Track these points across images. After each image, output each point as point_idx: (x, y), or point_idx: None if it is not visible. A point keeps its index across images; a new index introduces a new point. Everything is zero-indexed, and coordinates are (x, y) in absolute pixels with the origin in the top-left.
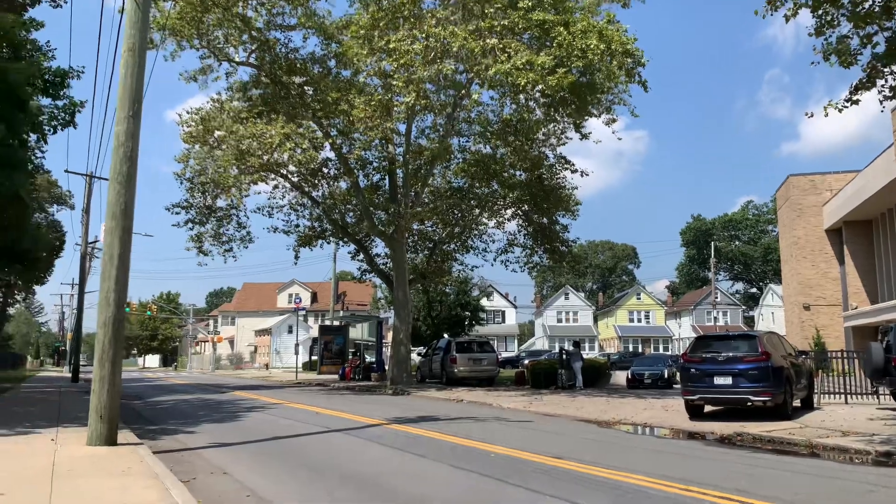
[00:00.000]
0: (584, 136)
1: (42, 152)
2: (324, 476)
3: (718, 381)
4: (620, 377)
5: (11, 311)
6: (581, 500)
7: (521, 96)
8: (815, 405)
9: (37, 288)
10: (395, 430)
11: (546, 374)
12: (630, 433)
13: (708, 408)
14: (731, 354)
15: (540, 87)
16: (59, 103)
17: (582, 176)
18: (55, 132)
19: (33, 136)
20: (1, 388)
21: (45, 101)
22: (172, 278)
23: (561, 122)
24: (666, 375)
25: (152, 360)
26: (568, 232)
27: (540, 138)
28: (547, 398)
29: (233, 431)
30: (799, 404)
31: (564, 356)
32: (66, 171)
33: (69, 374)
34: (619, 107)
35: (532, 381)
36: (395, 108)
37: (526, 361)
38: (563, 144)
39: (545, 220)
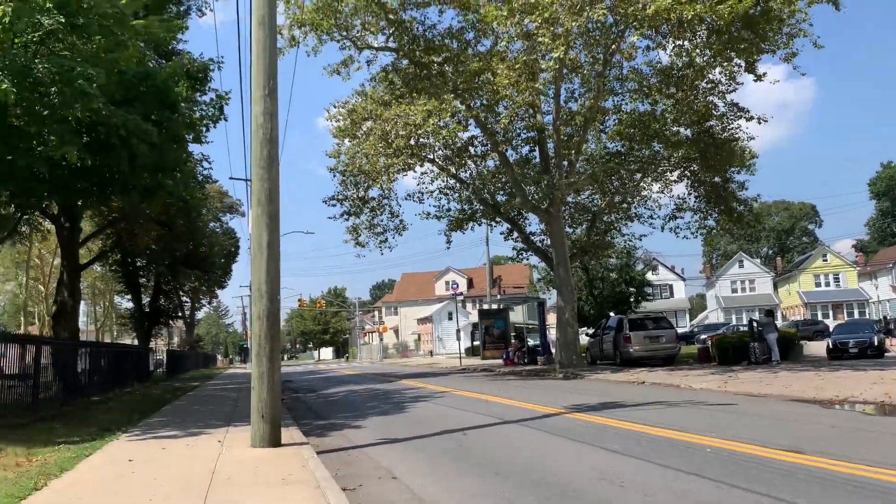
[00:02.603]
0: (759, 78)
1: (209, 163)
2: (505, 481)
3: None
4: (812, 348)
5: (200, 314)
6: None
7: (684, 41)
8: None
9: (219, 292)
10: (577, 419)
11: (735, 349)
12: (870, 414)
13: None
14: None
15: (708, 18)
16: (206, 98)
17: (759, 123)
18: (208, 129)
19: (196, 148)
20: (188, 386)
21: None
22: (338, 273)
23: (730, 63)
24: (875, 342)
25: (326, 353)
26: (746, 189)
27: (705, 87)
28: (743, 376)
29: (401, 425)
30: None
31: (756, 327)
32: (231, 178)
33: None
34: (798, 39)
35: (719, 358)
36: (542, 69)
37: (703, 336)
38: (734, 91)
39: (717, 178)
